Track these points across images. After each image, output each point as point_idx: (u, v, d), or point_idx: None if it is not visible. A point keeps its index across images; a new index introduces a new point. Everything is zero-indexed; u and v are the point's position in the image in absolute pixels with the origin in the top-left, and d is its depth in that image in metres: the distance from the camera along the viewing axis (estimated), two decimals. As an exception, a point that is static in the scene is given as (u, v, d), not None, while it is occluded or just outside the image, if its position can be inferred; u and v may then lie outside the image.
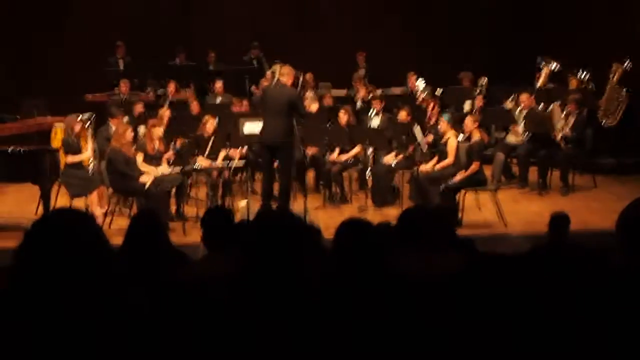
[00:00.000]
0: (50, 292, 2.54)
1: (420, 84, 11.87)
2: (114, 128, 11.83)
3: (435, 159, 11.85)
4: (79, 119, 12.00)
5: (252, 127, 11.61)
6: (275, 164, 11.40)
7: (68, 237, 2.59)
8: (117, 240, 5.47)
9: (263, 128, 11.24)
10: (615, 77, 14.26)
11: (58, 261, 2.55)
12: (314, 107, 12.91)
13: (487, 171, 11.37)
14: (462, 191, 11.06)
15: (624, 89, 14.17)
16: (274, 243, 3.16)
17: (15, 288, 2.60)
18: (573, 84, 14.68)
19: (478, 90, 14.96)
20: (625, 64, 14.10)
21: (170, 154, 11.80)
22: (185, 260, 5.21)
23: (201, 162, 11.80)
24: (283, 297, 3.11)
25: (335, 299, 3.38)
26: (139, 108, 13.81)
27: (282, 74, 11.34)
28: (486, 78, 15.30)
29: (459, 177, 11.01)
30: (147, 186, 10.68)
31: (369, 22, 18.07)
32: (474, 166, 10.91)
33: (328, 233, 3.76)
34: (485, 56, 17.12)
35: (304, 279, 3.20)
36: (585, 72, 14.59)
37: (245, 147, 12.12)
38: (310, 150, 12.77)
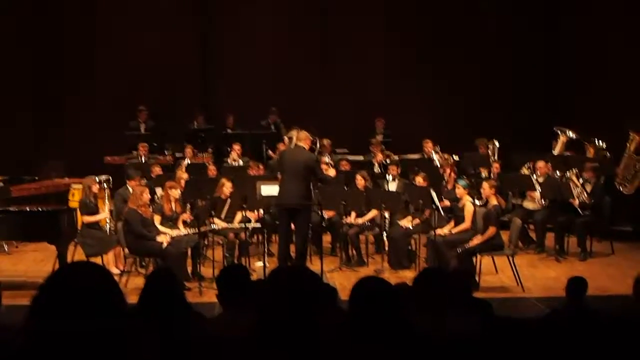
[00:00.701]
0: (65, 343, 2.53)
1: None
2: (131, 190, 11.89)
3: (452, 223, 11.86)
4: (97, 180, 12.15)
5: (269, 189, 11.64)
6: (292, 226, 11.42)
7: (83, 290, 2.59)
8: (133, 299, 5.45)
9: (281, 191, 11.27)
10: (633, 145, 14.28)
11: (73, 313, 2.55)
12: (331, 172, 12.96)
13: (504, 236, 11.34)
14: (479, 255, 11.02)
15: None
16: (287, 300, 3.15)
17: (30, 341, 2.59)
18: (590, 152, 14.73)
19: (493, 156, 15.00)
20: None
21: (187, 215, 11.86)
22: (201, 318, 5.18)
23: (218, 223, 11.85)
24: (298, 356, 3.09)
25: (351, 358, 3.36)
26: (156, 170, 13.91)
27: (300, 138, 11.44)
28: (496, 141, 15.37)
29: (475, 241, 10.99)
30: (163, 246, 10.72)
31: (386, 88, 18.18)
32: (491, 231, 10.89)
33: (344, 295, 3.75)
34: (502, 123, 17.17)
35: (319, 337, 3.18)
36: (601, 141, 14.63)
37: (262, 210, 12.14)
38: (327, 214, 12.80)
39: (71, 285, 2.61)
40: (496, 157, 15.04)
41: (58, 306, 2.56)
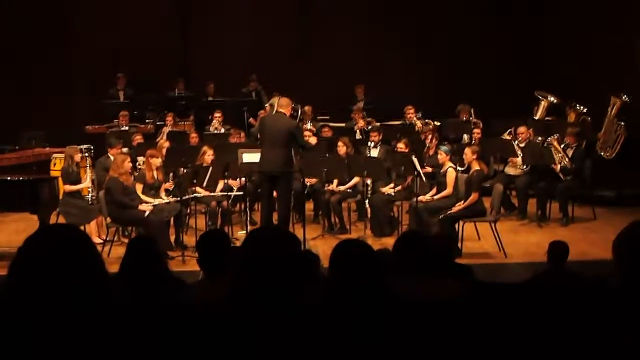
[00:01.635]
0: (45, 305, 2.52)
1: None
2: (112, 158, 11.84)
3: (434, 189, 11.88)
4: (79, 149, 12.11)
5: (251, 157, 11.61)
6: (275, 194, 11.42)
7: (62, 251, 2.57)
8: (115, 268, 5.44)
9: (262, 158, 11.24)
10: (614, 110, 14.32)
11: (52, 275, 2.53)
12: (312, 140, 12.93)
13: (486, 203, 11.36)
14: (461, 221, 11.04)
15: (622, 122, 14.22)
16: (264, 260, 3.14)
17: (10, 303, 2.58)
18: (571, 117, 14.76)
19: (474, 122, 15.02)
20: (623, 97, 14.16)
21: (169, 184, 11.85)
22: (183, 285, 5.18)
23: (200, 191, 11.84)
24: (277, 318, 3.09)
25: (332, 320, 3.35)
26: (137, 139, 13.86)
27: (281, 105, 11.40)
28: (472, 109, 15.40)
29: (457, 207, 11.01)
30: (145, 215, 10.70)
31: (367, 55, 18.13)
32: (473, 197, 10.91)
33: (327, 262, 3.73)
34: (484, 89, 17.17)
35: (300, 300, 3.18)
36: (582, 106, 14.66)
37: (244, 177, 12.12)
38: (309, 181, 12.80)
39: (50, 246, 2.60)
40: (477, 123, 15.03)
41: (37, 267, 2.55)
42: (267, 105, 14.67)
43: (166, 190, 11.76)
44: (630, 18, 14.82)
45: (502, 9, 18.00)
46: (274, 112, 11.61)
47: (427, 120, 15.21)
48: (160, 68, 17.78)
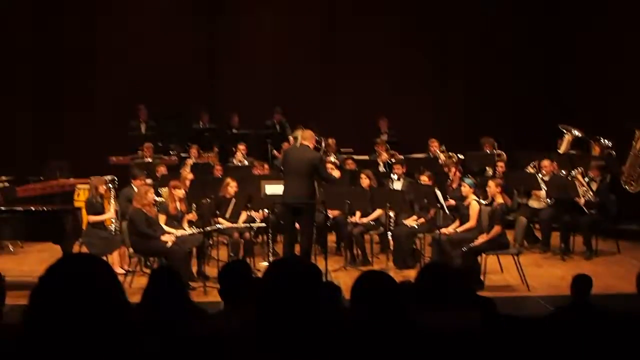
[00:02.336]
0: (65, 335, 2.52)
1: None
2: (136, 189, 11.90)
3: (457, 222, 11.85)
4: (105, 180, 12.19)
5: (274, 189, 11.63)
6: (297, 226, 11.43)
7: (83, 281, 2.58)
8: (137, 299, 5.46)
9: (285, 189, 11.27)
10: (638, 143, 14.25)
11: (73, 305, 2.54)
12: (335, 173, 12.94)
13: (510, 235, 11.31)
14: (484, 254, 10.99)
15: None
16: (285, 291, 3.14)
17: (30, 333, 2.58)
18: (595, 150, 14.70)
19: (498, 155, 14.99)
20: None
21: (192, 215, 11.88)
22: (204, 315, 5.18)
23: (222, 223, 11.86)
24: (298, 350, 3.08)
25: (354, 352, 3.34)
26: (161, 170, 13.92)
27: (304, 137, 11.46)
28: (496, 143, 15.38)
29: (481, 240, 10.97)
30: (168, 245, 10.73)
31: (391, 88, 18.16)
32: (496, 229, 10.87)
33: (349, 294, 3.73)
34: (508, 122, 17.16)
35: (321, 335, 3.17)
36: (607, 139, 14.61)
37: (267, 209, 12.13)
38: (332, 213, 12.80)
39: (71, 275, 2.61)
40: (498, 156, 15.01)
41: (58, 296, 2.56)
42: (290, 137, 14.72)
43: (189, 222, 11.80)
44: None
45: (524, 42, 17.98)
46: (298, 144, 11.66)
47: (450, 153, 15.20)
48: (185, 100, 17.88)
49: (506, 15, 18.07)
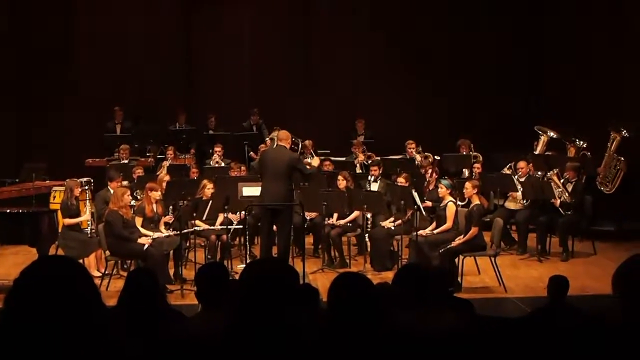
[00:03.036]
0: (40, 338, 2.50)
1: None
2: (112, 191, 11.84)
3: (434, 224, 11.87)
4: (80, 182, 12.14)
5: (251, 190, 11.61)
6: (275, 227, 11.42)
7: (58, 283, 2.56)
8: (114, 301, 5.43)
9: (263, 191, 11.26)
10: (613, 145, 14.35)
11: (48, 308, 2.52)
12: (315, 162, 12.92)
13: (487, 237, 11.35)
14: (461, 256, 11.02)
15: (621, 157, 14.25)
16: (262, 292, 3.13)
17: (5, 337, 2.56)
18: (571, 152, 14.79)
19: (474, 156, 15.05)
20: (623, 132, 14.20)
21: (168, 217, 11.84)
22: (181, 318, 5.16)
23: (199, 225, 11.83)
24: (275, 352, 3.07)
25: (331, 354, 3.34)
26: (138, 172, 13.86)
27: (280, 138, 11.49)
28: (472, 144, 15.45)
29: (458, 241, 11.00)
30: (145, 248, 10.69)
31: (369, 90, 18.18)
32: (473, 231, 10.90)
33: (326, 296, 3.72)
34: (485, 123, 17.21)
35: (298, 333, 3.16)
36: (582, 141, 14.69)
37: (244, 211, 12.10)
38: (309, 215, 12.79)
39: (46, 278, 2.59)
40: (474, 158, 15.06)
41: (32, 299, 2.54)
42: (267, 139, 14.71)
43: (166, 224, 11.76)
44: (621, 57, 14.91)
45: (502, 45, 18.03)
46: (275, 145, 11.66)
47: (426, 154, 15.23)
48: (162, 101, 17.83)
49: (488, 16, 18.10)
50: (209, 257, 11.86)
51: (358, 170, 15.22)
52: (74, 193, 11.84)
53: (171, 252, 11.31)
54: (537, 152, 14.90)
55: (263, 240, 11.59)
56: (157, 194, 11.57)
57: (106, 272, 11.18)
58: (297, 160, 11.48)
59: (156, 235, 11.15)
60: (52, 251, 11.37)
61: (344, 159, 15.91)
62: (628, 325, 3.49)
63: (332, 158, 15.55)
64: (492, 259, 11.11)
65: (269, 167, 11.23)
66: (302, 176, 11.57)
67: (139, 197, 12.45)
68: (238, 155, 16.32)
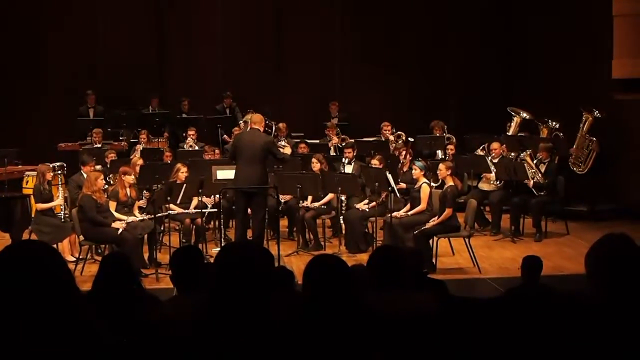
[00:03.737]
0: (13, 323, 2.49)
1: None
2: (85, 176, 11.78)
3: (409, 205, 11.90)
4: (51, 167, 12.06)
5: (225, 174, 11.59)
6: (249, 211, 11.42)
7: (31, 268, 2.55)
8: (88, 286, 5.42)
9: (237, 174, 11.25)
10: (586, 125, 14.42)
11: (21, 293, 2.51)
12: (287, 150, 12.96)
13: (461, 218, 11.39)
14: (436, 237, 11.05)
15: (594, 138, 14.33)
16: (237, 275, 3.13)
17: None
18: (544, 132, 14.85)
19: (448, 138, 15.08)
20: (595, 113, 14.27)
21: (142, 201, 11.81)
22: (156, 302, 5.15)
23: (174, 209, 11.80)
24: (250, 335, 3.07)
25: (306, 335, 3.34)
26: (111, 156, 13.77)
27: (254, 121, 11.49)
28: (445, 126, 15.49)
29: (432, 223, 11.03)
30: (119, 232, 10.65)
31: (341, 72, 18.20)
32: (447, 212, 10.93)
33: (302, 279, 3.73)
34: (458, 105, 17.25)
35: (274, 315, 3.16)
36: (555, 121, 14.75)
37: (218, 195, 12.07)
38: (284, 198, 12.79)
39: (19, 262, 2.58)
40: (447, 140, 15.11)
41: (5, 284, 2.52)
42: (241, 122, 14.68)
43: (140, 208, 11.73)
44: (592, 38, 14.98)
45: (474, 26, 18.07)
46: (248, 128, 11.65)
47: (399, 133, 15.21)
48: (134, 85, 17.73)
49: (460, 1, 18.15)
50: (183, 240, 11.84)
51: (332, 153, 15.21)
52: (46, 177, 11.77)
53: (145, 236, 11.27)
54: (510, 133, 14.95)
55: (238, 224, 11.59)
56: (130, 178, 11.53)
57: (80, 257, 11.12)
58: (272, 143, 11.50)
59: (130, 219, 11.11)
60: (25, 236, 11.30)
61: (317, 141, 15.90)
62: (601, 305, 3.51)
63: (307, 141, 15.53)
64: (466, 240, 11.16)
65: (244, 151, 11.22)
66: (276, 160, 11.60)
67: (112, 181, 12.39)
68: (212, 139, 16.29)
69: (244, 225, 11.47)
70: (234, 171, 11.38)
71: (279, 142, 14.29)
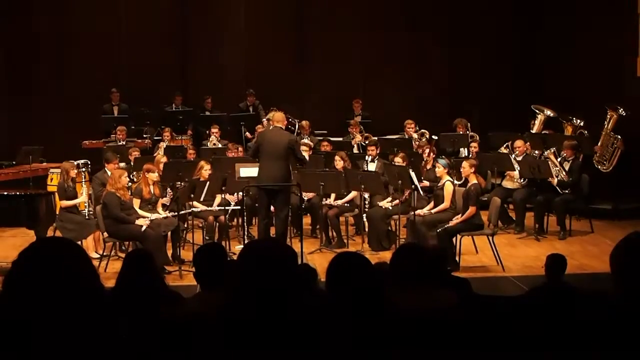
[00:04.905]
0: (39, 320, 2.51)
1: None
2: (109, 173, 11.83)
3: (432, 203, 11.87)
4: (75, 164, 12.13)
5: (248, 171, 11.62)
6: (272, 208, 11.44)
7: (56, 264, 2.56)
8: (112, 283, 5.44)
9: (261, 172, 11.30)
10: (610, 123, 14.33)
11: (47, 289, 2.52)
12: (306, 154, 12.99)
13: (484, 216, 11.35)
14: (459, 235, 11.02)
15: (618, 136, 14.24)
16: (260, 272, 3.13)
17: (4, 319, 2.56)
18: (568, 130, 14.77)
19: (471, 136, 15.04)
20: (620, 111, 14.18)
21: (166, 199, 11.85)
22: (179, 299, 5.16)
23: (197, 206, 11.83)
24: (274, 331, 3.07)
25: (330, 332, 3.34)
26: (135, 154, 13.83)
27: (276, 120, 11.54)
28: (468, 123, 15.45)
29: (455, 221, 11.00)
30: (143, 229, 10.69)
31: (365, 70, 18.18)
32: (471, 210, 10.89)
33: (324, 277, 3.73)
34: (482, 103, 17.21)
35: (297, 313, 3.16)
36: (579, 119, 14.67)
37: (241, 192, 12.10)
38: (307, 195, 12.79)
39: (44, 259, 2.59)
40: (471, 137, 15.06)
41: (31, 280, 2.54)
42: (264, 120, 14.70)
43: (163, 205, 11.77)
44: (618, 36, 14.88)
45: (498, 23, 18.01)
46: (271, 126, 11.67)
47: (422, 131, 15.18)
48: (158, 83, 17.79)
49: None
50: (206, 238, 11.87)
51: (355, 151, 15.19)
52: (70, 175, 11.83)
53: (169, 233, 11.31)
54: (534, 131, 14.88)
55: (260, 221, 11.61)
56: (154, 176, 11.58)
57: (104, 254, 11.17)
58: (295, 141, 11.56)
59: (154, 216, 11.16)
60: (49, 233, 11.37)
61: (341, 139, 15.89)
62: (626, 304, 3.49)
63: (330, 138, 15.52)
64: (490, 238, 11.12)
65: (267, 148, 11.26)
66: (296, 159, 11.60)
67: (135, 179, 12.44)
68: (235, 136, 16.33)
69: (267, 222, 11.50)
70: (256, 169, 11.41)
71: (302, 140, 14.30)
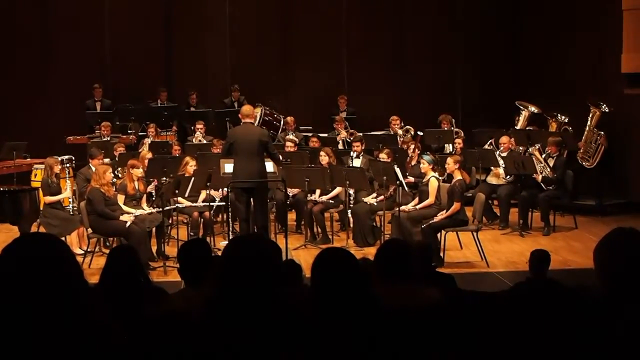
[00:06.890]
0: (21, 316, 2.50)
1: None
2: (93, 169, 11.80)
3: (417, 199, 11.89)
4: (59, 160, 12.08)
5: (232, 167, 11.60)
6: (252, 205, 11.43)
7: (39, 260, 2.55)
8: (96, 279, 5.43)
9: (236, 170, 11.21)
10: (593, 120, 14.39)
11: (30, 285, 2.51)
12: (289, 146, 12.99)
13: (469, 212, 11.38)
14: (443, 231, 11.05)
15: (602, 132, 14.30)
16: (245, 267, 3.13)
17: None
18: (552, 126, 14.82)
19: (456, 132, 15.07)
20: (602, 107, 14.24)
21: (150, 186, 11.87)
22: (164, 295, 5.16)
23: (182, 202, 11.82)
24: (258, 327, 3.07)
25: (314, 327, 3.34)
26: (119, 149, 13.79)
27: (245, 115, 11.47)
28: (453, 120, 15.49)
29: (440, 217, 11.02)
30: (127, 225, 10.67)
31: (349, 65, 18.19)
32: (455, 206, 10.92)
33: (309, 273, 3.72)
34: (466, 99, 17.24)
35: (281, 308, 3.16)
36: (563, 115, 14.73)
37: (226, 188, 12.08)
38: (292, 191, 12.78)
39: (27, 255, 2.58)
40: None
41: (14, 276, 2.53)
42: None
43: (147, 200, 11.74)
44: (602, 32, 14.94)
45: (482, 20, 18.04)
46: (242, 123, 11.61)
47: (407, 127, 15.21)
48: (142, 78, 17.74)
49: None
50: (191, 234, 11.86)
51: (340, 147, 15.19)
52: (54, 170, 11.79)
53: (153, 229, 11.30)
54: (518, 127, 14.93)
55: (242, 218, 11.56)
56: (138, 172, 11.55)
57: (88, 250, 11.15)
58: (267, 136, 11.49)
59: (138, 212, 11.14)
60: (33, 229, 11.33)
61: (326, 135, 15.89)
62: (609, 300, 3.50)
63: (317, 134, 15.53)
64: (474, 233, 11.15)
65: (240, 146, 11.19)
66: (270, 156, 11.51)
67: (120, 174, 12.41)
68: (220, 132, 16.27)
69: (248, 220, 11.46)
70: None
71: (288, 137, 14.29)
